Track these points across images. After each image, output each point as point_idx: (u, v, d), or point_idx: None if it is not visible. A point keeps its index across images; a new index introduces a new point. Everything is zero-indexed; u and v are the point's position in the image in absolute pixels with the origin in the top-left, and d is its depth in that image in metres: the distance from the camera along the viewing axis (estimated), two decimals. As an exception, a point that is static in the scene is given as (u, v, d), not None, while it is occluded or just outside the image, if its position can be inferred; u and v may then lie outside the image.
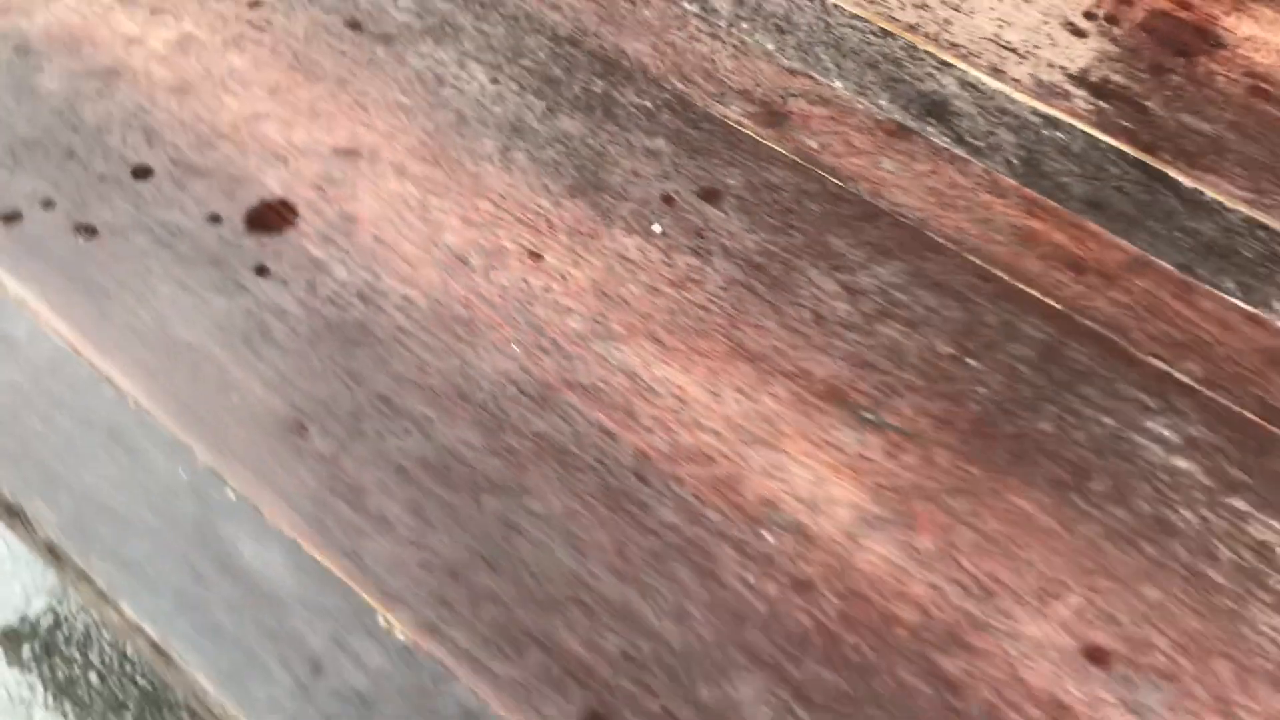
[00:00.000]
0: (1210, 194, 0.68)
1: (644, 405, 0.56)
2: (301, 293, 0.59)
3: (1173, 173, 0.70)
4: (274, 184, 0.64)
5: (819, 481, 0.54)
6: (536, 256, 0.62)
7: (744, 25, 0.76)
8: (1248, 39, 0.78)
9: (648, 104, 0.70)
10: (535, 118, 0.69)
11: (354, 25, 0.73)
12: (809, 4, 0.78)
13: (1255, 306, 0.62)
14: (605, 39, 0.74)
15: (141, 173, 0.64)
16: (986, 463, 0.56)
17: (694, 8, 0.76)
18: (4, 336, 0.56)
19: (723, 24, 0.76)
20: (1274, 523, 0.54)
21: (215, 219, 0.62)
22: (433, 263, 0.61)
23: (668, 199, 0.65)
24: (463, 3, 0.75)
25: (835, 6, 0.78)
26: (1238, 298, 0.63)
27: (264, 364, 0.56)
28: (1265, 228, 0.66)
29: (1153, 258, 0.65)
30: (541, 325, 0.59)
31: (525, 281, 0.61)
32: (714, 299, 0.61)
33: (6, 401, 0.54)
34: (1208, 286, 0.64)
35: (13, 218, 0.61)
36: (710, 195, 0.66)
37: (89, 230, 0.61)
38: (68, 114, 0.66)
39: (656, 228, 0.64)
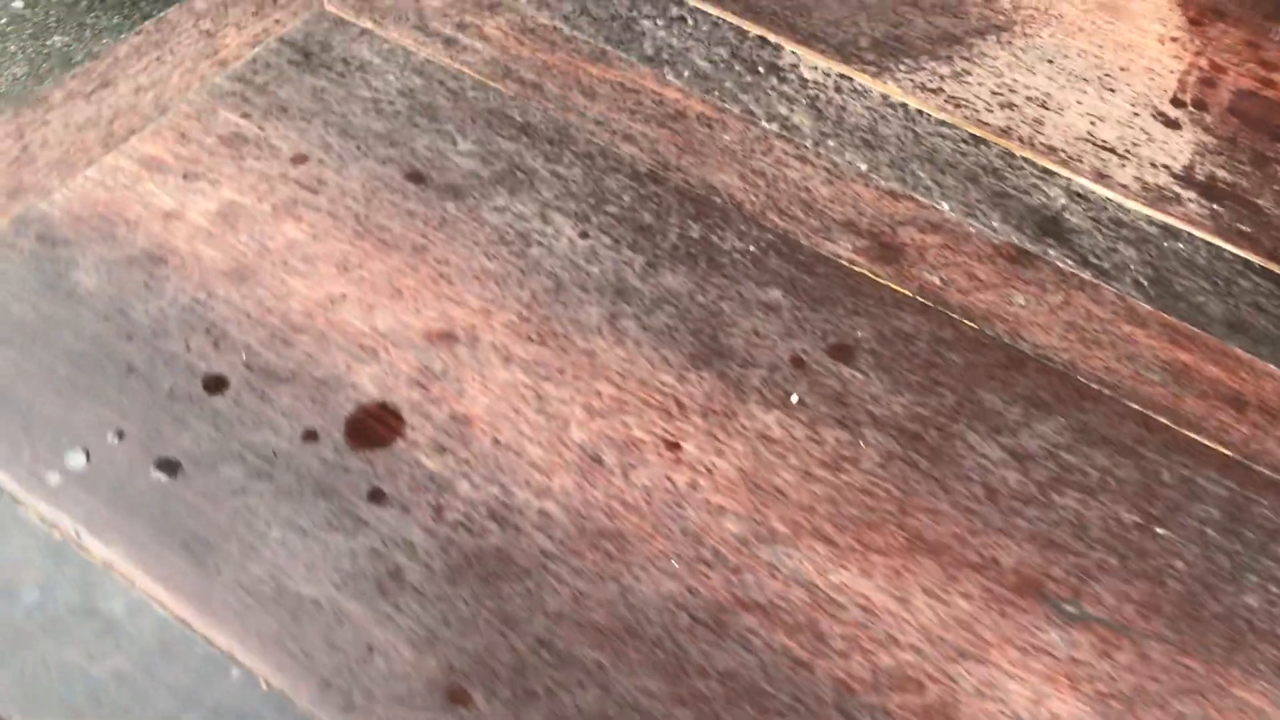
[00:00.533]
0: (1347, 303, 0.65)
1: (830, 623, 0.51)
2: (428, 520, 0.52)
3: (1303, 280, 0.66)
4: (368, 384, 0.57)
5: (1038, 697, 0.49)
6: (674, 446, 0.56)
7: (830, 143, 0.70)
8: (1338, 118, 0.75)
9: (751, 248, 0.65)
10: (636, 275, 0.63)
11: (416, 178, 0.66)
12: (893, 112, 0.73)
13: None
14: (689, 172, 0.68)
15: (215, 385, 0.56)
16: (1204, 653, 0.51)
17: (773, 126, 0.71)
18: (100, 615, 0.49)
19: (808, 143, 0.70)
20: None
21: (311, 436, 0.55)
22: (564, 465, 0.55)
23: (798, 361, 0.60)
24: (528, 142, 0.68)
25: (920, 113, 0.73)
26: None
27: (404, 615, 0.49)
28: None
29: (1308, 383, 0.61)
30: (698, 532, 0.53)
31: (669, 480, 0.55)
32: (875, 480, 0.56)
33: (119, 699, 0.47)
34: (1369, 411, 0.60)
35: (81, 458, 0.53)
36: (842, 352, 0.60)
37: (170, 465, 0.53)
38: (116, 318, 0.58)
39: (794, 397, 0.58)
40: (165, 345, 0.57)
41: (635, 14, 0.76)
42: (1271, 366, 0.62)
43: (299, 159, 0.66)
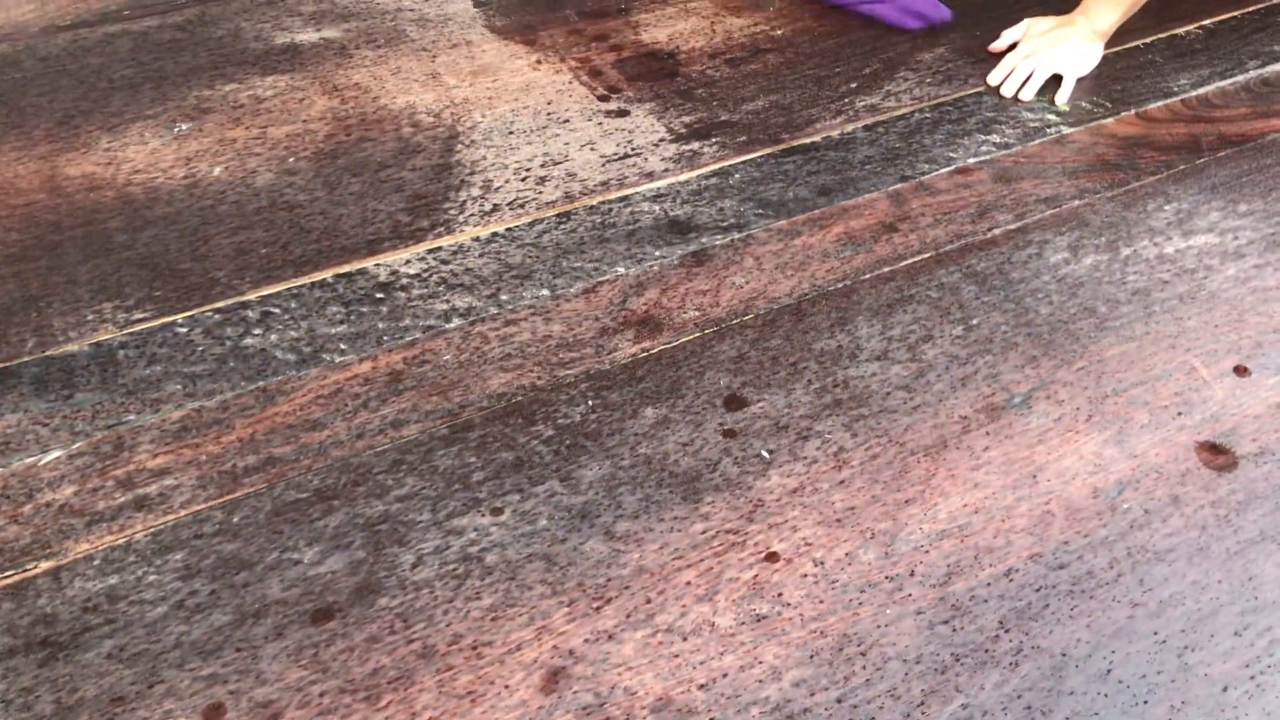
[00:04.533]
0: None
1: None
2: None
3: (802, 140, 0.87)
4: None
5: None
6: (773, 557, 0.60)
7: (504, 297, 0.73)
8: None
9: (590, 401, 0.67)
10: (568, 493, 0.62)
11: (323, 615, 0.57)
12: (499, 244, 0.77)
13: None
14: (472, 402, 0.67)
15: None
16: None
17: (458, 322, 0.71)
18: None
19: (494, 309, 0.72)
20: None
21: None
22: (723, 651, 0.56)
23: (730, 433, 0.66)
24: (344, 502, 0.61)
25: (511, 230, 0.78)
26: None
27: None
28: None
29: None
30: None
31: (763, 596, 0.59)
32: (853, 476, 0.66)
33: None
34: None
35: None
36: (736, 401, 0.68)
37: None
38: None
39: (765, 452, 0.65)
40: None
41: (236, 339, 0.69)
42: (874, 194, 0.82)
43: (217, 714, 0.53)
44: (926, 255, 0.79)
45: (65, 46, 0.91)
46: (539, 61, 0.94)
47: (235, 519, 0.61)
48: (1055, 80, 0.95)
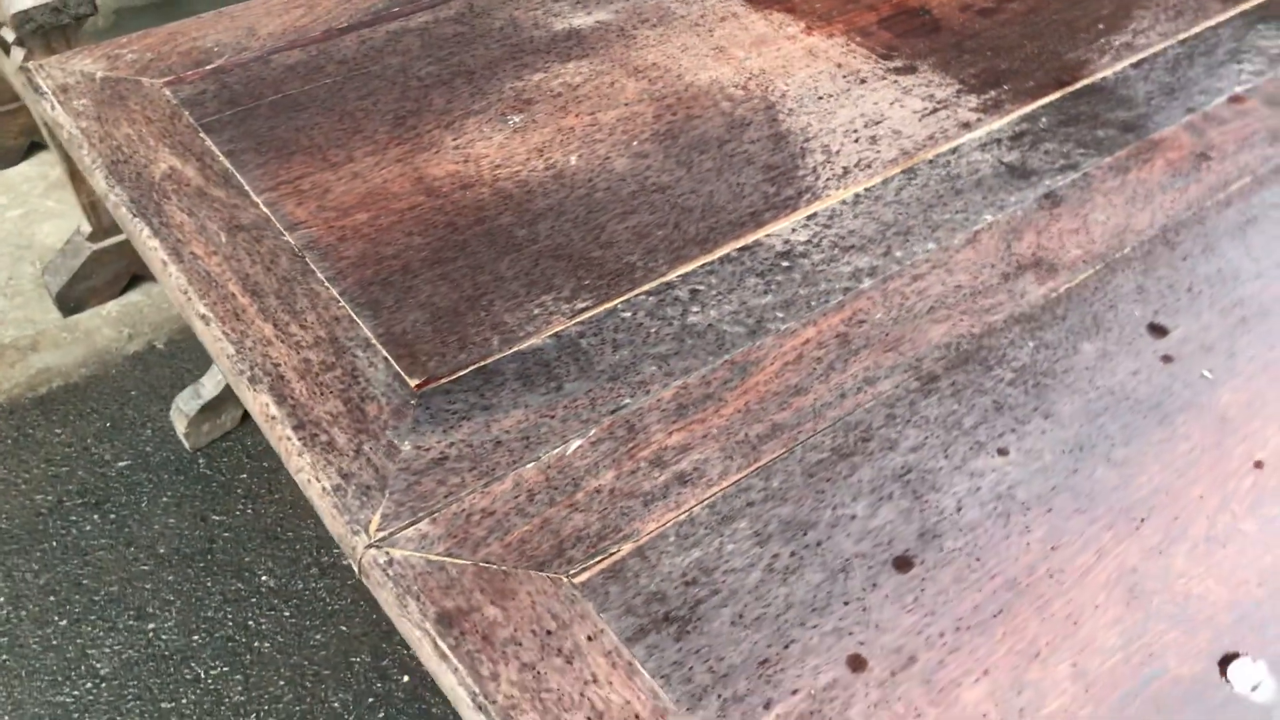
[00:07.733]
0: (1112, 73, 0.92)
1: None
2: None
3: (1085, 82, 0.91)
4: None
5: None
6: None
7: (899, 254, 0.76)
8: None
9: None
10: (1060, 430, 0.67)
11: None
12: (860, 202, 0.80)
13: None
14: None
15: None
16: None
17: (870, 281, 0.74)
18: None
19: (896, 268, 0.75)
20: None
21: None
22: None
23: (1167, 359, 0.71)
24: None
25: (867, 190, 0.81)
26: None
27: None
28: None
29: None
30: None
31: None
32: None
33: None
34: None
35: None
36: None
37: None
38: None
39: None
40: None
41: (680, 318, 0.71)
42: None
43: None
44: (1247, 179, 0.84)
45: (356, 48, 0.90)
46: (809, 28, 0.96)
47: (774, 484, 0.64)
48: (1270, 7, 1.01)
